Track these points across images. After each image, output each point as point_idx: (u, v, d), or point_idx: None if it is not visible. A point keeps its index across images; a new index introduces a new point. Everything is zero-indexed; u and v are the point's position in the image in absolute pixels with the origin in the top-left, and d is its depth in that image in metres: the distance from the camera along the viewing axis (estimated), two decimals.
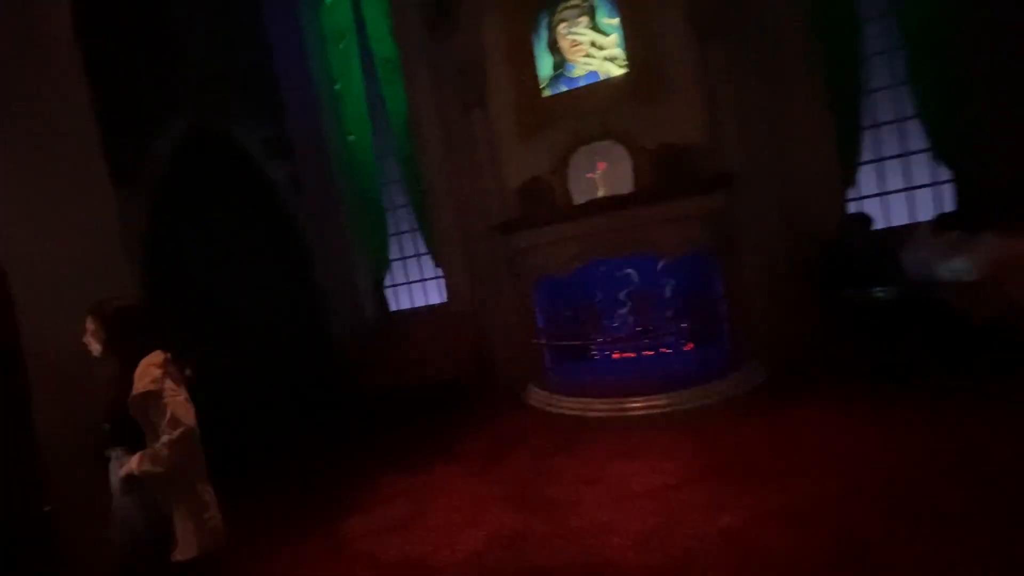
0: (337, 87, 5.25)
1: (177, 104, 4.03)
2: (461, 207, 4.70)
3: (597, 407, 3.41)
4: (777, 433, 2.89)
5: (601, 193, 3.82)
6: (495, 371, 4.57)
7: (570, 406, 3.54)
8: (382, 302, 5.44)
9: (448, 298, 4.98)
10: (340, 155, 5.29)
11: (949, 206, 3.95)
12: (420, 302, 5.43)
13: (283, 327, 4.80)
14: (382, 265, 5.39)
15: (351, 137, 5.26)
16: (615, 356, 4.49)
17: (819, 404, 3.11)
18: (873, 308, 3.35)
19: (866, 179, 4.24)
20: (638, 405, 3.30)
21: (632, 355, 4.47)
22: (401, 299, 5.54)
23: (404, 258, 5.45)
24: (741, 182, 3.66)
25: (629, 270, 4.22)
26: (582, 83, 3.93)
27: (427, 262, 5.28)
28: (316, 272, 5.16)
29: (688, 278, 4.03)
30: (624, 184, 3.76)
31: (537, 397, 3.86)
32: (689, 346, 4.10)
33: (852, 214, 3.66)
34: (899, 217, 4.20)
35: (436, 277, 5.24)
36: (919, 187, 4.13)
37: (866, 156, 4.13)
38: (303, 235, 5.08)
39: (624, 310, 3.83)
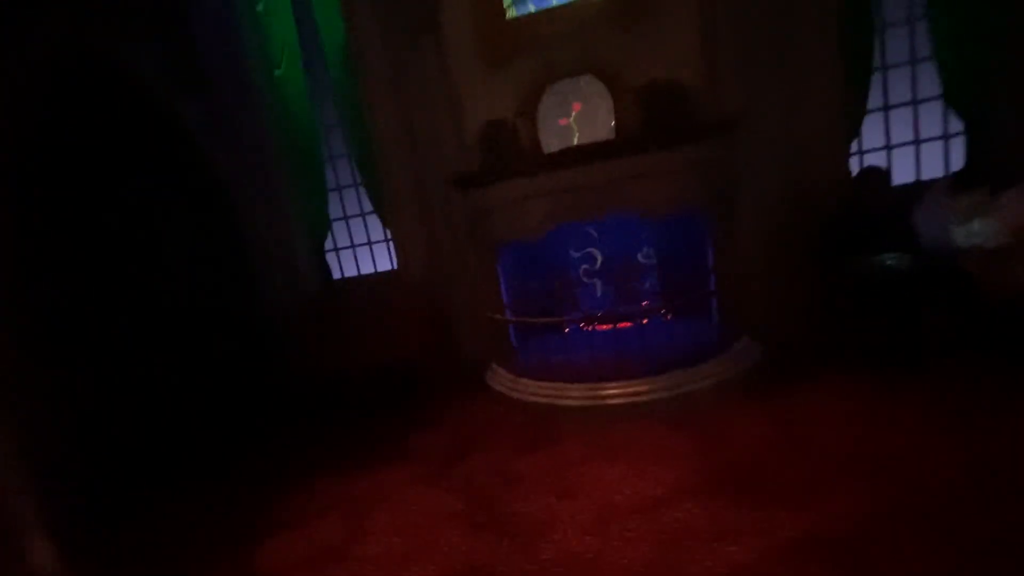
0: (259, 7, 4.32)
1: (33, 14, 3.10)
2: (412, 158, 4.00)
3: (571, 394, 2.93)
4: (781, 429, 2.47)
5: (576, 141, 3.21)
6: (454, 350, 4.02)
7: (540, 392, 3.04)
8: (324, 270, 4.74)
9: (399, 265, 4.33)
10: (267, 92, 4.42)
11: (959, 162, 3.57)
12: (368, 269, 4.76)
13: (203, 302, 4.07)
14: (321, 226, 4.65)
15: (278, 72, 4.39)
16: (588, 328, 4.07)
17: (825, 391, 2.70)
18: (884, 278, 2.94)
19: (870, 130, 3.80)
20: (617, 392, 2.83)
21: (608, 326, 4.05)
22: (346, 265, 4.84)
23: (347, 218, 4.72)
24: (741, 129, 3.11)
25: (596, 234, 3.71)
26: (555, 1, 3.22)
27: (375, 223, 4.58)
28: (244, 235, 4.39)
29: (673, 242, 3.53)
30: (604, 130, 3.15)
31: (502, 380, 3.35)
32: (667, 316, 3.69)
33: (866, 168, 3.19)
34: (903, 174, 3.80)
35: (385, 240, 4.56)
36: (929, 140, 3.71)
37: (872, 103, 3.67)
38: (226, 189, 4.27)
39: (601, 280, 3.32)
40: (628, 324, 3.45)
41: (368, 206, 4.53)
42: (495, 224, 3.35)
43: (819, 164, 3.39)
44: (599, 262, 3.48)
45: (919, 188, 3.39)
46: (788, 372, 2.98)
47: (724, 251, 3.16)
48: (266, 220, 4.40)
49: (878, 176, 3.10)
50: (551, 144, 3.24)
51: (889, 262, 2.96)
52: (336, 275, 4.79)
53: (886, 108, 3.73)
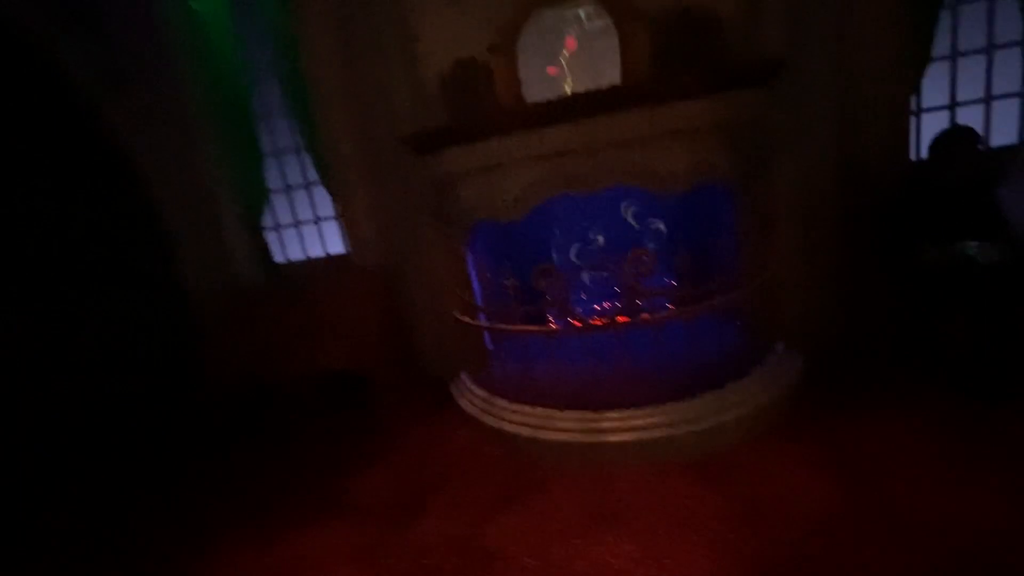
0: None
1: None
2: (360, 113, 3.18)
3: (560, 424, 2.23)
4: (845, 488, 1.81)
5: (570, 88, 2.43)
6: (415, 354, 3.30)
7: (519, 419, 2.34)
8: (263, 251, 3.93)
9: (350, 249, 3.54)
10: (181, 30, 3.51)
11: None
12: (317, 252, 3.95)
13: (104, 299, 3.26)
14: (257, 199, 3.81)
15: (194, 2, 3.47)
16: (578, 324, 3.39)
17: (896, 426, 2.05)
18: (963, 273, 2.27)
19: (927, 84, 3.07)
20: (621, 424, 2.15)
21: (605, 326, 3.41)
22: (291, 247, 4.03)
23: (288, 188, 3.89)
24: (785, 76, 2.37)
25: (593, 212, 2.98)
26: None
27: (323, 194, 3.76)
28: (157, 210, 3.56)
29: (692, 225, 2.82)
30: (606, 74, 2.38)
31: (472, 398, 2.64)
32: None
33: (952, 128, 2.46)
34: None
35: (334, 217, 3.75)
36: (1004, 97, 3.00)
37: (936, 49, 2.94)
38: (131, 152, 3.41)
39: (600, 273, 2.60)
40: (628, 323, 2.76)
41: (314, 174, 3.71)
42: (462, 198, 2.58)
43: (877, 125, 2.68)
44: (599, 247, 2.75)
45: (998, 157, 2.71)
46: (840, 394, 2.33)
47: (756, 236, 2.45)
48: (185, 191, 3.57)
49: (968, 140, 2.38)
50: (536, 92, 2.46)
51: (970, 252, 2.29)
52: (280, 258, 3.99)
53: (953, 56, 3.01)
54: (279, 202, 3.93)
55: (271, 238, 3.97)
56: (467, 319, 2.47)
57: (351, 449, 2.62)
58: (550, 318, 2.52)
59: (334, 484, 2.35)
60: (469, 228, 2.72)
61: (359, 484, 2.33)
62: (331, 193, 3.57)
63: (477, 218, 2.62)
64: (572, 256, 3.11)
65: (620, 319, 2.06)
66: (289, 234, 4.00)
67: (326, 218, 3.81)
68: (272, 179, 3.85)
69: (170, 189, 3.54)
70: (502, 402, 2.46)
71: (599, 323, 2.08)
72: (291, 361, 3.27)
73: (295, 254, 4.00)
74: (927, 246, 2.35)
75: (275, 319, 3.44)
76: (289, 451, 2.73)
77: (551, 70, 2.59)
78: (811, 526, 1.65)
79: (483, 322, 2.37)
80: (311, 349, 3.28)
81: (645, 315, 2.05)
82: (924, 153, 2.75)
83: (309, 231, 3.94)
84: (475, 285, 2.77)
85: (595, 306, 2.85)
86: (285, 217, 3.96)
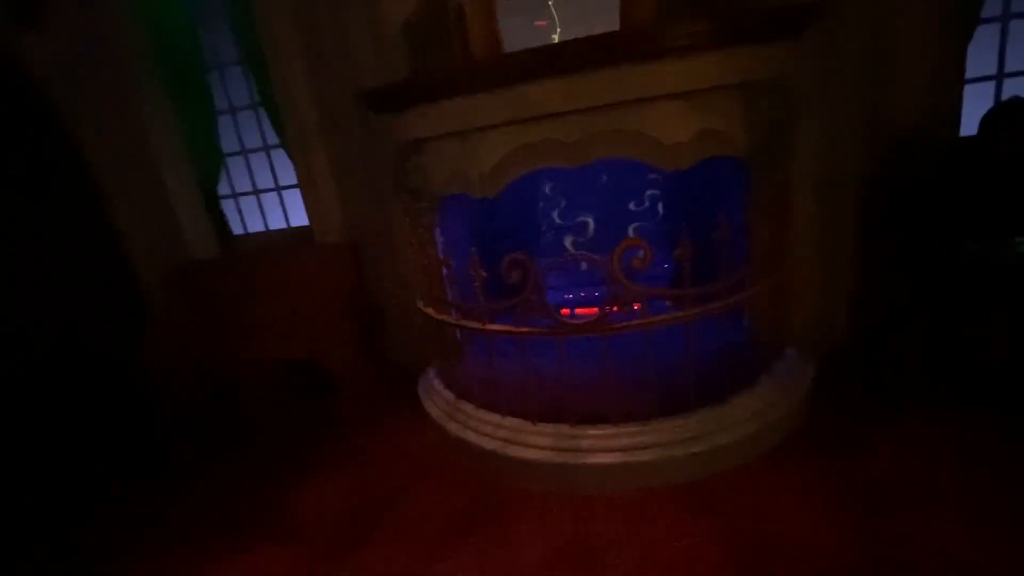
0: None
1: None
2: (319, 62, 2.75)
3: (533, 440, 1.91)
4: (866, 519, 1.50)
5: (558, 36, 2.02)
6: (383, 342, 2.96)
7: (487, 430, 2.02)
8: (219, 223, 3.54)
9: (311, 222, 3.16)
10: None
11: None
12: (279, 223, 3.56)
13: (33, 276, 2.89)
14: (211, 163, 3.40)
15: None
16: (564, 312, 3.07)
17: (922, 446, 1.75)
18: (1012, 273, 1.92)
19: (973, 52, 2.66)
20: (604, 443, 1.82)
21: (592, 311, 3.09)
22: (250, 217, 3.64)
23: (246, 152, 3.47)
24: (811, 34, 1.97)
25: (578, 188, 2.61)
26: None
27: (285, 159, 3.35)
28: (94, 174, 3.16)
29: (695, 207, 2.46)
30: (602, 18, 1.97)
31: (438, 400, 2.31)
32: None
33: (1007, 102, 2.07)
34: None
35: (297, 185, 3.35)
36: None
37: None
38: (55, 108, 2.99)
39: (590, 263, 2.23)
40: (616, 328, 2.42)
41: (274, 136, 3.29)
42: (428, 169, 2.20)
43: (914, 95, 2.28)
44: (591, 231, 2.40)
45: None
46: (854, 408, 2.01)
47: (773, 223, 2.09)
48: (124, 154, 3.15)
49: (1019, 114, 2.00)
50: (516, 41, 2.04)
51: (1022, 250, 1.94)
52: (238, 231, 3.61)
53: (1005, 17, 2.58)
54: (236, 167, 3.52)
55: (227, 208, 3.58)
56: (431, 311, 2.12)
57: (302, 453, 2.31)
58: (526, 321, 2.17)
59: (275, 498, 2.05)
60: (437, 204, 2.34)
61: (303, 498, 2.03)
62: (291, 157, 3.16)
63: (446, 192, 2.24)
64: (567, 244, 2.76)
65: (604, 322, 1.71)
66: (248, 203, 3.60)
67: (288, 186, 3.40)
68: (227, 141, 3.43)
69: (106, 152, 3.12)
70: (468, 407, 2.13)
71: (581, 325, 1.72)
72: (247, 348, 2.93)
73: (255, 226, 3.61)
74: (967, 241, 2.00)
75: (231, 300, 3.08)
76: (233, 455, 2.41)
77: (539, 24, 2.19)
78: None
79: (450, 316, 2.02)
80: (269, 335, 2.93)
81: (641, 320, 1.70)
82: (965, 130, 2.38)
83: (270, 200, 3.55)
84: (445, 271, 2.41)
85: (576, 303, 2.52)
86: (243, 184, 3.56)
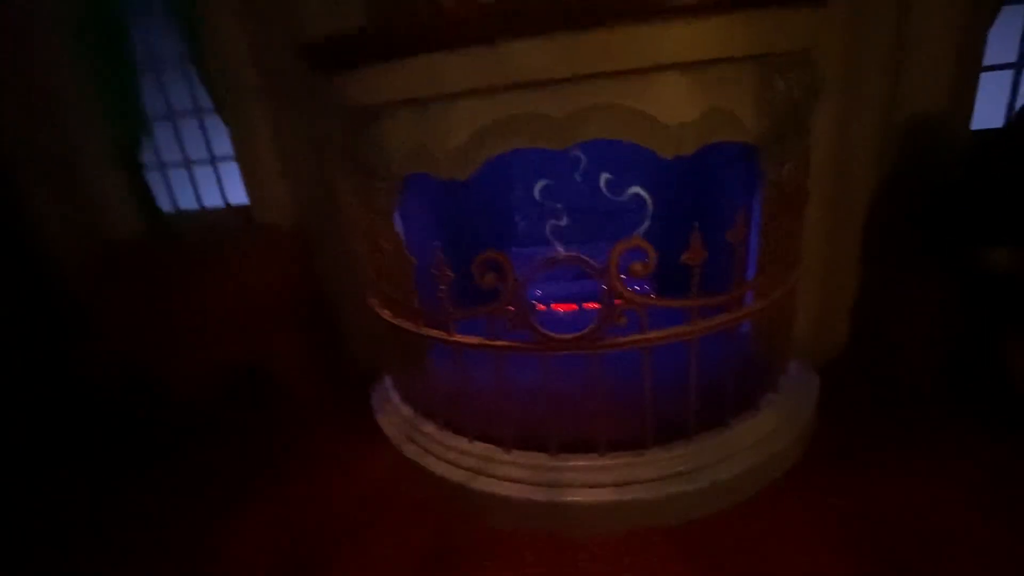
0: None
1: None
2: (257, 10, 2.31)
3: (502, 471, 1.61)
4: (882, 567, 1.30)
5: None
6: (337, 342, 2.59)
7: (451, 457, 1.71)
8: (145, 199, 3.05)
9: (251, 200, 2.73)
10: None
11: None
12: (215, 200, 3.10)
13: None
14: (132, 127, 2.90)
15: None
16: (541, 308, 2.81)
17: (942, 478, 1.55)
18: None
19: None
20: (588, 477, 1.55)
21: (572, 307, 2.84)
22: (181, 192, 3.16)
23: (173, 115, 2.98)
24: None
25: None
26: None
27: (219, 125, 2.88)
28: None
29: (694, 201, 2.19)
30: None
31: (395, 418, 1.99)
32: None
33: None
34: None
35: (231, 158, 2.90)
36: None
37: None
38: None
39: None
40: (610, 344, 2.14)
41: (206, 99, 2.81)
42: (386, 143, 1.83)
43: (939, 80, 2.05)
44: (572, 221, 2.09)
45: None
46: (865, 431, 1.80)
47: (787, 221, 1.82)
48: (29, 116, 2.64)
49: None
50: None
51: None
52: (167, 208, 3.13)
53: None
54: (163, 134, 3.03)
55: (154, 181, 3.09)
56: (385, 313, 1.77)
57: (234, 480, 1.95)
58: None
59: (202, 531, 1.70)
60: (398, 185, 1.98)
61: (233, 532, 1.69)
62: (225, 123, 2.71)
63: (406, 172, 1.88)
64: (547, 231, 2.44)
65: (597, 338, 1.40)
66: (179, 176, 3.12)
67: (225, 157, 2.94)
68: (152, 102, 2.93)
69: (6, 114, 2.60)
70: (429, 427, 1.82)
71: (570, 340, 1.42)
72: (177, 349, 2.51)
73: (187, 202, 3.14)
74: (995, 244, 1.80)
75: (158, 291, 2.63)
76: (158, 478, 2.03)
77: None
78: None
79: (408, 322, 1.68)
80: (202, 334, 2.52)
81: (641, 335, 1.40)
82: (978, 122, 2.18)
83: (205, 174, 3.08)
84: (409, 261, 2.06)
85: (554, 298, 2.22)
86: (172, 154, 3.07)
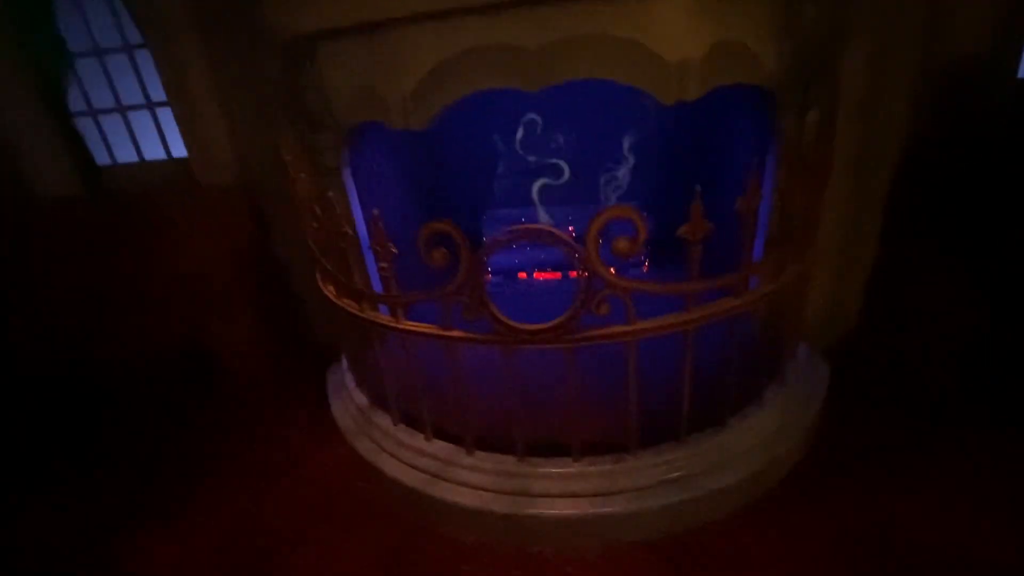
0: None
1: None
2: None
3: (463, 476, 1.39)
4: None
5: None
6: (293, 316, 2.32)
7: (408, 457, 1.49)
8: (75, 151, 2.69)
9: (190, 154, 2.39)
10: None
11: None
12: (157, 153, 2.75)
13: None
14: (54, 64, 2.52)
15: None
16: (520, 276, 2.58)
17: (972, 494, 1.34)
18: None
19: None
20: (560, 486, 1.33)
21: (556, 276, 2.60)
22: (118, 144, 2.80)
23: (101, 52, 2.58)
24: None
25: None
26: None
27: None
28: None
29: (694, 157, 1.90)
30: None
31: (349, 407, 1.75)
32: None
33: None
34: None
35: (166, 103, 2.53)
36: None
37: None
38: None
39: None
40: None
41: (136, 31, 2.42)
42: (328, 83, 1.51)
43: (979, 24, 1.72)
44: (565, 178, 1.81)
45: None
46: (881, 431, 1.59)
47: (806, 187, 1.54)
48: None
49: None
50: None
51: None
52: (104, 161, 2.77)
53: None
54: (91, 75, 2.64)
55: (87, 130, 2.72)
56: (330, 290, 1.50)
57: (172, 474, 1.73)
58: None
59: (130, 536, 1.49)
60: (346, 137, 1.66)
61: (162, 538, 1.48)
62: (157, 62, 2.33)
63: (355, 121, 1.57)
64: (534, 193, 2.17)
65: (572, 330, 1.13)
66: (114, 125, 2.75)
67: (161, 103, 2.57)
68: (75, 38, 2.53)
69: None
70: (383, 420, 1.59)
71: (540, 332, 1.15)
72: (113, 324, 2.24)
73: (125, 155, 2.78)
74: None
75: (94, 257, 2.34)
76: (83, 476, 1.81)
77: None
78: None
79: (353, 303, 1.41)
80: (143, 307, 2.25)
81: (627, 326, 1.14)
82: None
83: (143, 122, 2.71)
84: (360, 227, 1.77)
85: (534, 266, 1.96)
86: (103, 98, 2.68)
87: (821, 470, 1.48)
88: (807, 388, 1.58)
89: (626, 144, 2.25)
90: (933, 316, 1.83)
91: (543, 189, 2.35)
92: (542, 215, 2.37)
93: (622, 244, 1.03)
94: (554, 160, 2.20)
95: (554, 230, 1.01)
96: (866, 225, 1.89)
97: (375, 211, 1.15)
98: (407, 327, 1.26)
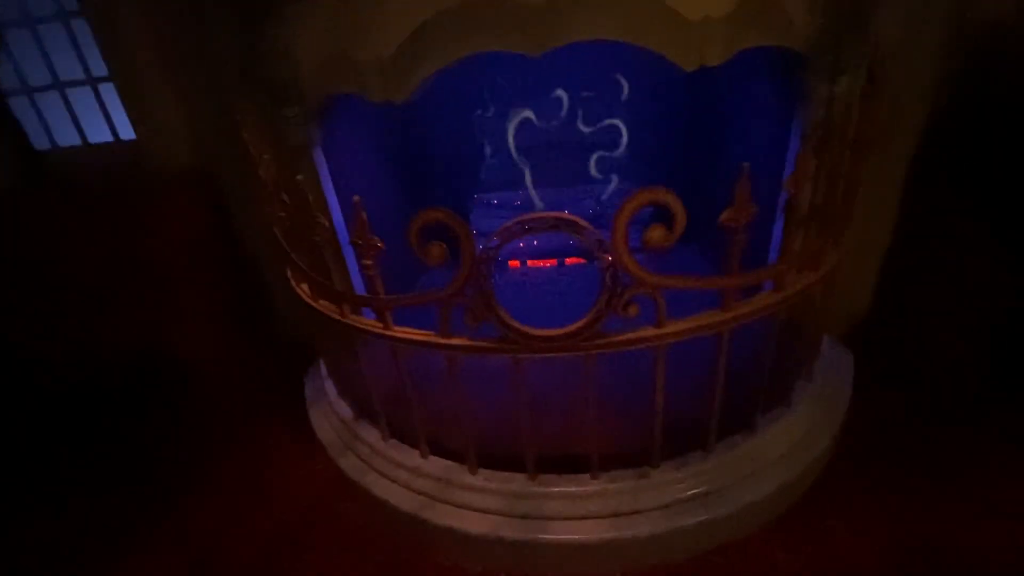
0: None
1: None
2: None
3: (469, 499, 1.22)
4: None
5: None
6: (259, 319, 2.10)
7: (401, 477, 1.31)
8: (9, 133, 2.39)
9: (138, 134, 2.13)
10: None
11: None
12: (103, 135, 2.46)
13: None
14: None
15: None
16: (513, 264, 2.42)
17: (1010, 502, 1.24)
18: None
19: None
20: (581, 507, 1.17)
21: (551, 263, 2.44)
22: (58, 126, 2.50)
23: (33, 23, 2.27)
24: None
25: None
26: None
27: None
28: None
29: (709, 136, 1.75)
30: None
31: (331, 419, 1.56)
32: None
33: None
34: None
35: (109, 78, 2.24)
36: None
37: None
38: None
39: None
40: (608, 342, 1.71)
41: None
42: (294, 47, 1.28)
43: None
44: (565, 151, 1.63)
45: None
46: (912, 432, 1.47)
47: (844, 163, 1.37)
48: None
49: None
50: None
51: None
52: (43, 146, 2.48)
53: None
54: (23, 47, 2.33)
55: (21, 110, 2.42)
56: (303, 290, 1.30)
57: (127, 499, 1.53)
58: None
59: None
60: (315, 112, 1.44)
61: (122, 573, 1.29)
62: (95, 31, 2.05)
63: (326, 92, 1.35)
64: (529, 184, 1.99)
65: (595, 335, 0.95)
66: (51, 103, 2.45)
67: (106, 78, 2.28)
68: (2, 5, 2.22)
69: None
70: (371, 435, 1.40)
71: (556, 339, 0.98)
72: (55, 325, 1.99)
73: (66, 138, 2.49)
74: None
75: (32, 252, 2.07)
76: (21, 504, 1.58)
77: None
78: None
79: (332, 307, 1.21)
80: (88, 306, 2.00)
81: (656, 329, 0.97)
82: None
83: (83, 99, 2.41)
84: (336, 217, 1.56)
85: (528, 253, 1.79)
86: (38, 75, 2.38)
87: (851, 473, 1.37)
88: (835, 383, 1.46)
89: (623, 121, 2.08)
90: (954, 299, 1.72)
91: (535, 169, 2.17)
92: (535, 200, 2.19)
93: (656, 234, 0.86)
94: (550, 136, 2.01)
95: (578, 220, 0.84)
96: (885, 201, 1.76)
97: (356, 198, 0.95)
98: (399, 335, 1.07)
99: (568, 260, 2.42)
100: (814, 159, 0.96)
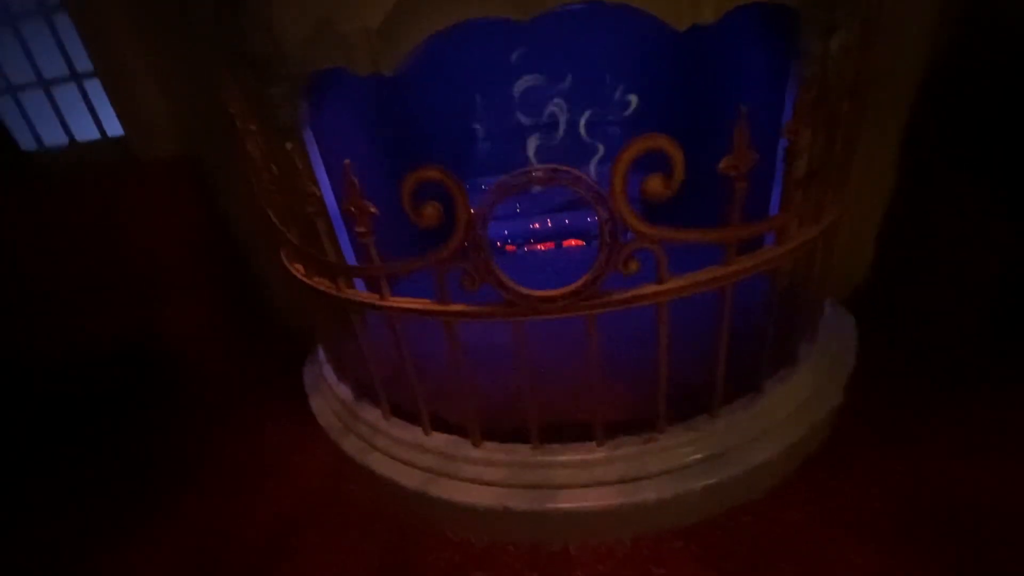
0: None
1: None
2: None
3: (473, 472, 1.21)
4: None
5: None
6: (254, 307, 2.08)
7: (403, 454, 1.30)
8: (3, 141, 2.35)
9: (124, 126, 2.10)
10: None
11: None
12: (89, 133, 2.42)
13: None
14: None
15: None
16: (510, 248, 2.41)
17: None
18: None
19: None
20: (587, 474, 1.16)
21: (549, 246, 2.43)
22: (44, 124, 2.46)
23: (16, 18, 2.23)
24: None
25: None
26: None
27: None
28: None
29: (707, 97, 1.72)
30: None
31: (331, 402, 1.54)
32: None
33: None
34: None
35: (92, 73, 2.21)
36: None
37: None
38: None
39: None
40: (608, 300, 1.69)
41: None
42: (277, 20, 1.26)
43: None
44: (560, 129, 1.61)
45: None
46: (912, 389, 1.46)
47: (831, 112, 1.36)
48: None
49: None
50: None
51: None
52: (29, 146, 2.44)
53: None
54: (6, 45, 2.29)
55: (5, 110, 2.38)
56: (297, 269, 1.28)
57: (124, 491, 1.51)
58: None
59: (83, 566, 1.27)
60: (302, 89, 1.42)
61: (122, 565, 1.26)
62: (77, 25, 2.02)
63: (312, 67, 1.33)
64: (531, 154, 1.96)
65: (596, 293, 0.94)
66: (36, 102, 2.41)
67: (91, 73, 2.25)
68: None
69: None
70: (372, 414, 1.39)
71: (556, 298, 0.96)
72: (46, 320, 1.97)
73: (53, 137, 2.45)
74: None
75: (21, 247, 2.05)
76: (16, 501, 1.56)
77: None
78: None
79: (326, 282, 1.19)
80: (80, 299, 1.98)
81: (658, 286, 0.96)
82: None
83: (69, 97, 2.38)
84: (328, 199, 1.54)
85: (526, 235, 1.77)
86: (21, 73, 2.34)
87: (856, 431, 1.35)
88: (839, 343, 1.44)
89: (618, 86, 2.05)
90: (952, 262, 1.71)
91: (528, 145, 2.15)
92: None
93: (655, 184, 0.84)
94: (549, 110, 1.99)
95: (572, 170, 0.82)
96: (883, 158, 1.74)
97: (347, 161, 0.93)
98: (395, 304, 1.05)
99: (567, 242, 2.40)
100: (809, 106, 0.94)
